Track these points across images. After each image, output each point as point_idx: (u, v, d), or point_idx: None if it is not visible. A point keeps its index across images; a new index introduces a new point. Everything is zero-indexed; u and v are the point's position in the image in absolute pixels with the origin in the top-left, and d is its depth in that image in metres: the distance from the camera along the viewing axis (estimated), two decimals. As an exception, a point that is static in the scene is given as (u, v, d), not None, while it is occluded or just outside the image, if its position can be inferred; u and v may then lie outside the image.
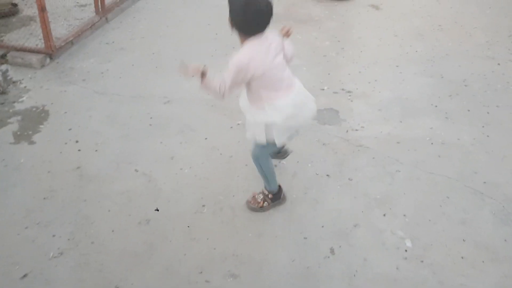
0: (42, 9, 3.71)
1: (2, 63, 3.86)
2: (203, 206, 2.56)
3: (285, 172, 2.79)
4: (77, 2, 5.11)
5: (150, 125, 3.20)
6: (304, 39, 4.49)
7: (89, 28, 4.45)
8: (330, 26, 4.78)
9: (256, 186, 2.63)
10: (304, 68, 3.97)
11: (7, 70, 3.77)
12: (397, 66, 4.02)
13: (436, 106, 3.43)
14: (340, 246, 2.30)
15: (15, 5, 4.84)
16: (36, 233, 2.34)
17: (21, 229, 2.36)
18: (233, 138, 3.11)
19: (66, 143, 2.99)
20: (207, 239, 2.35)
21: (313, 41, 4.47)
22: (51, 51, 3.90)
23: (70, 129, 3.12)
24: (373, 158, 2.91)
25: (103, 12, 4.66)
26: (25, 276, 2.12)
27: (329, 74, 3.92)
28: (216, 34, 4.51)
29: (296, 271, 2.17)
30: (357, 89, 3.67)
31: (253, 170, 2.82)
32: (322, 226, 2.42)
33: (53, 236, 2.33)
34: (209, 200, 2.61)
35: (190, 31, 4.61)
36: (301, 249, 2.29)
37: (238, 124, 3.25)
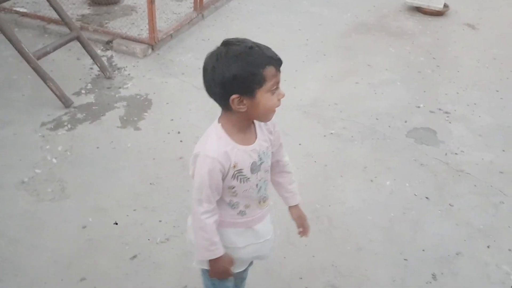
0: (151, 1, 3.86)
1: (107, 49, 4.05)
2: (301, 212, 2.56)
3: (382, 189, 2.75)
4: (175, -4, 5.27)
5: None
6: (397, 52, 4.41)
7: (187, 24, 4.58)
8: (424, 41, 4.67)
9: (353, 197, 2.61)
10: (398, 83, 3.91)
11: (112, 56, 3.96)
12: (497, 91, 3.87)
13: (542, 138, 3.27)
14: (442, 273, 2.25)
15: (118, -6, 5.06)
16: (144, 217, 2.44)
17: (130, 211, 2.47)
18: (327, 147, 3.10)
19: (168, 133, 3.09)
20: (305, 245, 2.36)
21: (406, 56, 4.38)
22: (153, 43, 4.05)
23: (172, 120, 3.23)
24: (475, 185, 2.81)
25: (200, 9, 4.79)
26: (134, 257, 2.22)
27: (424, 91, 3.83)
28: (307, 40, 4.52)
29: (398, 292, 2.14)
30: (455, 110, 3.56)
31: (349, 182, 2.81)
32: (423, 250, 2.37)
33: (160, 221, 2.42)
34: (305, 206, 2.60)
35: (281, 35, 4.64)
36: (401, 270, 2.25)
37: (331, 133, 3.24)
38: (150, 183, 2.66)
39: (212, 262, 1.46)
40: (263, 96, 1.30)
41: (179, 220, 2.43)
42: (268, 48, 1.32)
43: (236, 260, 1.52)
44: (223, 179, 1.38)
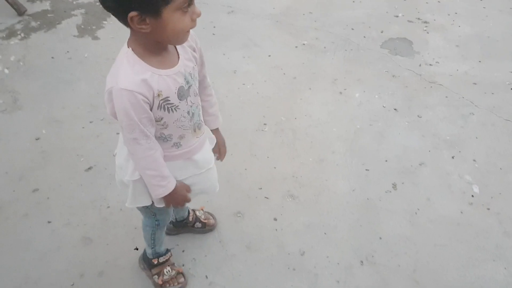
0: None
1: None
2: (265, 124, 2.50)
3: (350, 101, 2.67)
4: None
5: (213, 34, 3.08)
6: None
7: None
8: None
9: (320, 110, 2.53)
10: (379, -5, 3.69)
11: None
12: (481, 0, 3.67)
13: (520, 49, 3.16)
14: (403, 183, 2.23)
15: None
16: (100, 129, 2.35)
17: (86, 123, 2.38)
18: (298, 58, 2.97)
19: (129, 42, 2.92)
20: (268, 157, 2.32)
21: (389, -37, 4.10)
22: None
23: (133, 29, 3.03)
24: (446, 97, 2.74)
25: None
26: (89, 168, 2.17)
27: (405, 0, 3.63)
28: None
29: (356, 201, 2.13)
30: (434, 20, 3.40)
31: (318, 94, 2.72)
32: (386, 161, 2.34)
33: (117, 134, 2.34)
34: (270, 119, 2.55)
35: None
36: (362, 180, 2.24)
37: (303, 44, 3.10)
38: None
39: (168, 195, 1.32)
40: (171, 16, 1.06)
41: (138, 132, 2.35)
42: None
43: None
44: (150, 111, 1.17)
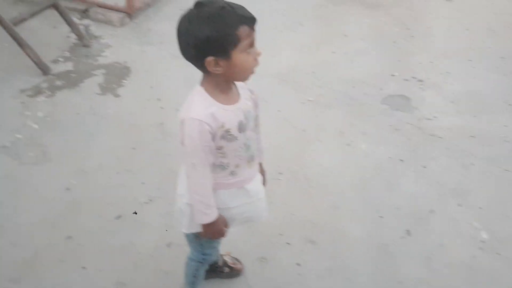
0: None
1: (84, 18, 3.99)
2: (280, 173, 2.65)
3: (358, 152, 2.85)
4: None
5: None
6: (372, 23, 4.46)
7: (165, -8, 4.53)
8: (398, 12, 4.72)
9: (330, 160, 2.70)
10: (373, 52, 3.98)
11: (89, 25, 3.91)
12: (470, 61, 3.98)
13: (510, 104, 3.41)
14: (416, 229, 2.37)
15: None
16: (126, 179, 2.48)
17: (113, 174, 2.50)
18: (305, 113, 3.18)
19: (148, 100, 3.11)
20: (285, 204, 2.45)
21: (381, 26, 4.44)
22: (131, 11, 4.01)
23: (151, 87, 3.24)
24: (447, 148, 2.93)
25: (178, -23, 4.74)
26: (118, 217, 2.27)
27: (399, 61, 3.91)
28: (283, 9, 4.53)
29: (373, 246, 2.25)
30: (428, 79, 3.67)
31: (327, 145, 2.90)
32: (397, 208, 2.48)
33: (143, 183, 2.47)
34: (285, 168, 2.70)
35: (256, 3, 4.64)
36: (377, 226, 2.36)
37: (309, 100, 3.31)
38: (132, 148, 2.69)
39: (207, 224, 1.48)
40: (238, 57, 1.30)
41: (162, 182, 2.48)
42: (241, 7, 1.31)
43: (229, 221, 1.56)
44: (212, 141, 1.39)
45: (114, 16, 3.97)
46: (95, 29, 3.88)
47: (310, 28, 4.22)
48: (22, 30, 3.31)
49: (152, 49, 3.70)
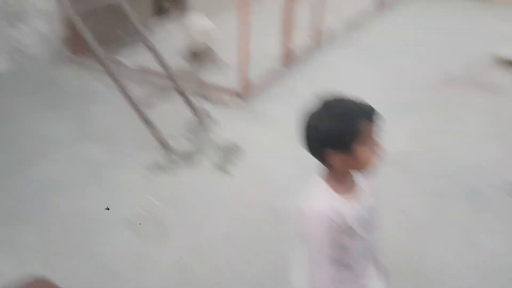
0: (245, 56, 4.09)
1: (202, 100, 4.30)
2: (399, 272, 2.47)
3: (486, 252, 2.58)
4: (262, 50, 5.53)
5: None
6: (490, 107, 4.25)
7: (276, 76, 4.78)
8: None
9: (454, 259, 2.47)
10: (493, 137, 3.74)
11: (206, 106, 4.20)
12: None
13: None
14: None
15: (211, 50, 5.42)
16: (237, 260, 2.50)
17: (222, 254, 2.53)
18: (422, 203, 3.01)
19: (260, 181, 3.18)
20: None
21: (500, 110, 4.21)
22: (245, 94, 4.25)
23: (263, 169, 3.31)
24: None
25: (288, 62, 4.98)
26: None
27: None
28: (395, 93, 4.50)
29: None
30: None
31: (448, 242, 2.67)
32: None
33: (249, 263, 2.44)
34: (403, 266, 2.52)
35: (368, 88, 4.65)
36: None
37: (426, 190, 3.14)
38: (242, 228, 2.72)
39: None
40: (361, 151, 1.31)
41: (269, 266, 2.45)
42: (363, 103, 1.34)
43: None
44: (334, 235, 1.34)
45: (229, 98, 4.22)
46: (212, 110, 4.15)
47: (424, 112, 4.12)
48: (148, 110, 3.64)
49: (263, 130, 3.83)
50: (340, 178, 1.38)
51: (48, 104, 4.09)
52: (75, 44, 5.01)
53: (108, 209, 2.49)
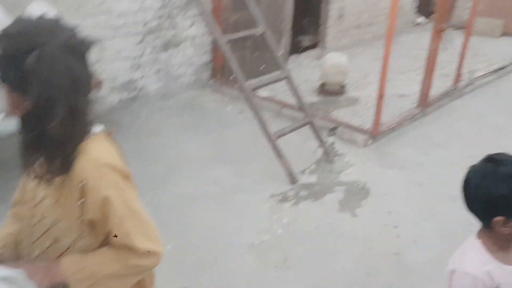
0: (380, 96, 4.05)
1: (331, 135, 4.34)
2: None
3: None
4: (397, 92, 5.42)
5: (470, 231, 3.02)
6: None
7: (409, 119, 4.64)
8: None
9: None
10: None
11: (334, 142, 4.22)
12: None
13: None
14: None
15: (343, 86, 5.46)
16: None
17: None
18: None
19: (385, 225, 3.08)
20: None
21: None
22: (375, 134, 4.19)
23: (389, 212, 3.21)
24: None
25: (424, 105, 4.81)
26: None
27: None
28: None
29: None
30: None
31: None
32: None
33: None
34: None
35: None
36: None
37: None
38: (365, 273, 2.65)
39: None
40: None
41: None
42: None
43: None
44: None
45: (359, 137, 4.20)
46: (339, 146, 4.16)
47: None
48: (279, 141, 3.77)
49: (392, 173, 3.73)
50: (499, 242, 1.30)
51: (189, 124, 4.46)
52: (215, 70, 5.43)
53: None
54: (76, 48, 1.06)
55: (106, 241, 1.18)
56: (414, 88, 5.47)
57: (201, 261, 2.69)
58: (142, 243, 1.14)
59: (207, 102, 5.04)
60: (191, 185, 3.48)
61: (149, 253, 1.15)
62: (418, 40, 7.74)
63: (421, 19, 8.79)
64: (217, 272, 2.62)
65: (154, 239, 1.18)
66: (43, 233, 1.21)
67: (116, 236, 1.14)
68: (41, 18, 1.07)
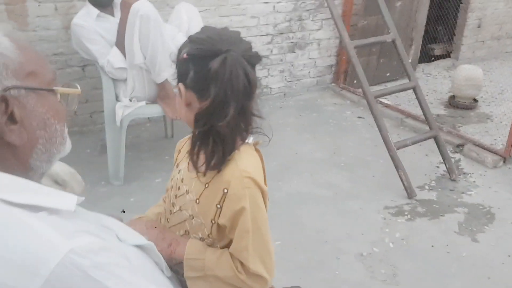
0: (519, 115, 3.70)
1: (457, 152, 4.08)
2: None
3: None
4: (537, 111, 4.91)
5: None
6: None
7: (549, 143, 4.17)
8: None
9: None
10: None
11: (459, 160, 3.96)
12: None
13: None
14: None
15: (475, 100, 5.08)
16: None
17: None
18: None
19: (509, 256, 2.83)
20: None
21: None
22: (508, 156, 3.85)
23: (517, 242, 2.95)
24: None
25: None
26: None
27: None
28: None
29: None
30: None
31: None
32: None
33: None
34: None
35: None
36: None
37: None
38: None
39: None
40: None
41: None
42: None
43: None
44: None
45: (488, 157, 3.89)
46: (465, 165, 3.90)
47: None
48: (398, 152, 3.64)
49: (523, 201, 3.40)
50: None
51: (307, 125, 4.51)
52: (338, 73, 5.41)
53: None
54: (251, 58, 1.18)
55: (228, 245, 1.26)
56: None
57: (308, 263, 2.72)
58: (254, 264, 1.19)
59: (327, 104, 5.05)
60: (304, 185, 3.53)
61: (257, 277, 1.20)
62: None
63: None
64: (324, 276, 2.63)
65: (268, 264, 1.23)
66: (178, 223, 1.33)
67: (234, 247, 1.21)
68: (225, 29, 1.21)
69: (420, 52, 5.98)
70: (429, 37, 6.41)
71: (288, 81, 5.16)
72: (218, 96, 1.12)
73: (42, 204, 0.81)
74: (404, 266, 2.72)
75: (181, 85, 1.20)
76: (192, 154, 1.23)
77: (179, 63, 1.20)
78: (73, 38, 3.35)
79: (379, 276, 2.64)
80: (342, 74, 5.38)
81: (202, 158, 1.22)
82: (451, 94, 5.15)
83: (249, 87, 1.16)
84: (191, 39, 1.19)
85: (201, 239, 1.28)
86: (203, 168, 1.22)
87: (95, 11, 3.29)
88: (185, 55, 1.17)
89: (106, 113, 3.35)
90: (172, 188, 1.37)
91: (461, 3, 6.22)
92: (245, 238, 1.19)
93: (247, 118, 1.20)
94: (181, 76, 1.20)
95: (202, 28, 1.24)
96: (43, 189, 0.87)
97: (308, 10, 4.91)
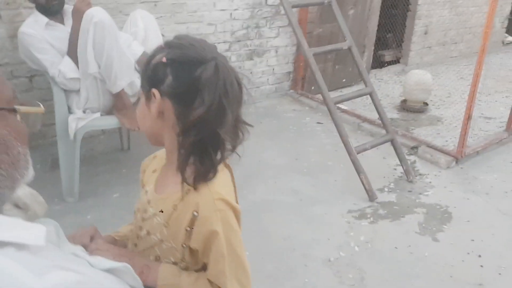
0: (468, 118, 3.89)
1: (412, 154, 4.22)
2: None
3: None
4: (482, 114, 5.18)
5: None
6: None
7: (496, 143, 4.41)
8: None
9: None
10: None
11: (415, 161, 4.11)
12: None
13: None
14: None
15: (426, 104, 5.29)
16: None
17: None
18: None
19: (468, 253, 2.95)
20: None
21: None
22: (459, 157, 4.03)
23: (472, 240, 3.08)
24: None
25: (512, 129, 4.55)
26: None
27: None
28: None
29: None
30: None
31: None
32: None
33: None
34: None
35: None
36: None
37: None
38: (448, 303, 2.56)
39: None
40: None
41: None
42: None
43: None
44: None
45: (442, 158, 4.05)
46: (420, 166, 4.04)
47: None
48: (358, 156, 3.72)
49: (476, 199, 3.57)
50: None
51: (268, 132, 4.53)
52: (295, 80, 5.48)
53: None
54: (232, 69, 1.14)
55: (204, 268, 1.21)
56: (501, 111, 5.22)
57: (277, 272, 2.72)
58: (232, 287, 1.15)
59: (286, 111, 5.09)
60: (267, 192, 3.53)
61: None
62: (508, 60, 7.36)
63: (511, 38, 8.34)
64: (294, 284, 2.63)
65: (245, 283, 1.19)
66: (147, 248, 1.25)
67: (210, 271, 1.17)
68: (202, 40, 1.15)
69: (372, 58, 6.16)
70: (380, 43, 6.63)
71: (247, 89, 5.14)
72: (213, 103, 1.06)
73: (8, 240, 0.71)
74: (370, 269, 2.77)
75: (155, 91, 1.10)
76: (184, 166, 1.14)
77: (152, 67, 1.10)
78: (20, 47, 3.18)
79: (347, 281, 2.67)
80: (300, 81, 5.45)
81: (188, 170, 1.14)
82: (403, 98, 5.34)
83: (240, 94, 1.14)
84: (170, 44, 1.12)
85: (174, 263, 1.21)
86: (191, 180, 1.14)
87: (44, 19, 3.13)
88: (163, 59, 1.08)
89: (58, 126, 3.17)
90: (139, 210, 1.29)
91: (409, 11, 6.49)
92: (221, 263, 1.14)
93: (239, 126, 1.16)
94: (154, 82, 1.10)
95: (177, 35, 1.16)
96: (8, 221, 0.76)
97: (265, 17, 4.94)
